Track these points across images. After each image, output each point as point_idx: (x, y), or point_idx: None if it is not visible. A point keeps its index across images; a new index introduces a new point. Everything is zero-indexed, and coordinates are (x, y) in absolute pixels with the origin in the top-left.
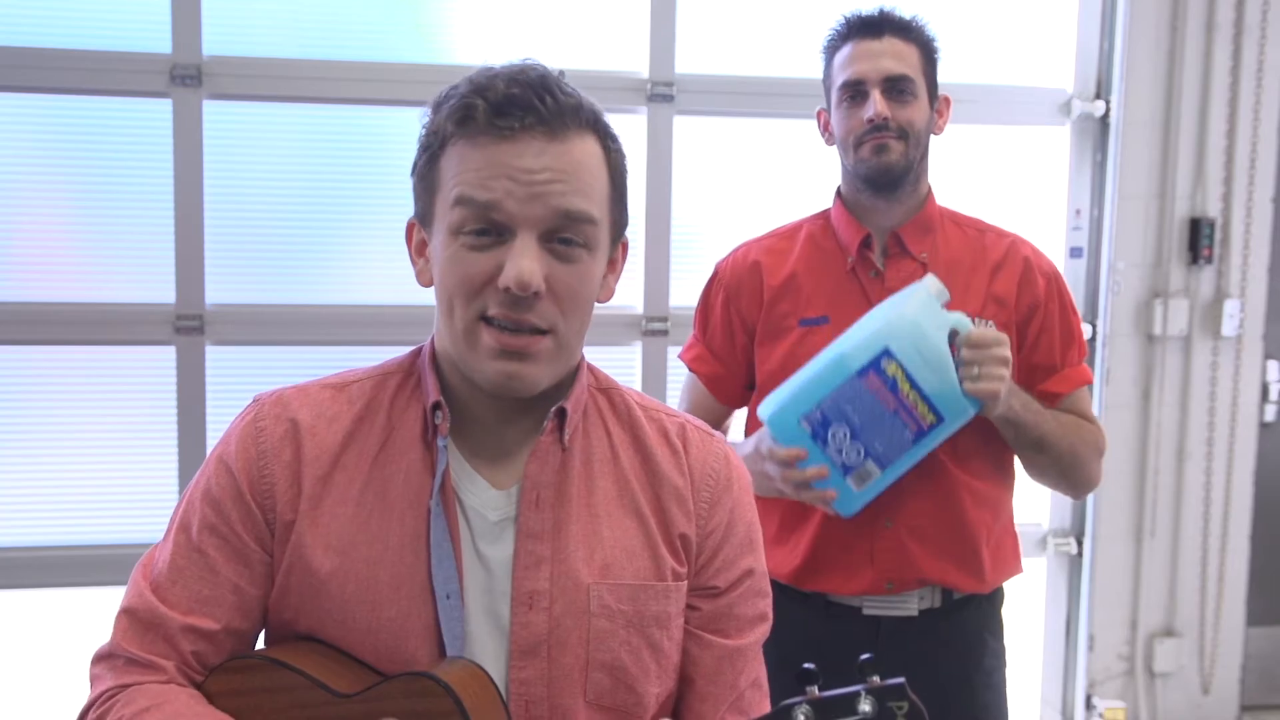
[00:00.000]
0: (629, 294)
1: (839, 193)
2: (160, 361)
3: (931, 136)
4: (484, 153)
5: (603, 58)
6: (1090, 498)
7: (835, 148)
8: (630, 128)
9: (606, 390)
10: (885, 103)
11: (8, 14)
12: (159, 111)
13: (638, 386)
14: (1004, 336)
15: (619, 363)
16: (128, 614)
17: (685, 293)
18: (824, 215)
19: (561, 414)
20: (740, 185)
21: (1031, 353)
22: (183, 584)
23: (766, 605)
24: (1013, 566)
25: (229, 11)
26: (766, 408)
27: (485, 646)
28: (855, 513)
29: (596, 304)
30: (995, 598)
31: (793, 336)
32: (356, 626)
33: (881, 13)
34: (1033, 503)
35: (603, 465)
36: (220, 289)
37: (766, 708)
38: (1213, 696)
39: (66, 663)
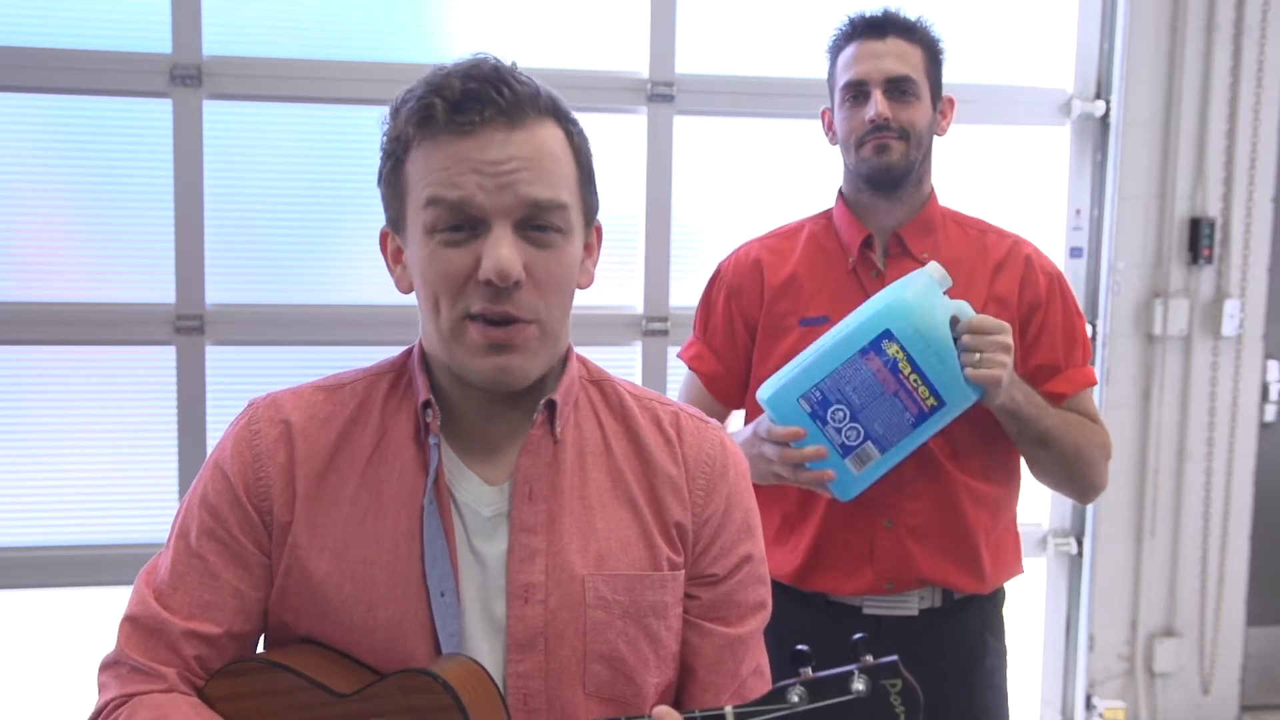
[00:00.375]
0: (629, 294)
1: (841, 192)
2: (160, 361)
3: (935, 137)
4: (448, 150)
5: (603, 58)
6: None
7: (838, 147)
8: (630, 128)
9: (598, 381)
10: (887, 103)
11: (8, 14)
12: (159, 111)
13: None
14: (1006, 324)
15: (619, 363)
16: (131, 621)
17: (685, 293)
18: (826, 215)
19: (551, 406)
20: (740, 185)
21: (1034, 353)
22: (184, 590)
23: (766, 592)
24: (1014, 567)
25: (229, 11)
26: (765, 390)
27: (482, 642)
28: (853, 497)
29: (593, 300)
30: (996, 598)
31: (793, 336)
32: (354, 627)
33: (886, 13)
34: (1033, 503)
35: (595, 457)
36: (220, 289)
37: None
38: (1213, 696)
39: (67, 663)
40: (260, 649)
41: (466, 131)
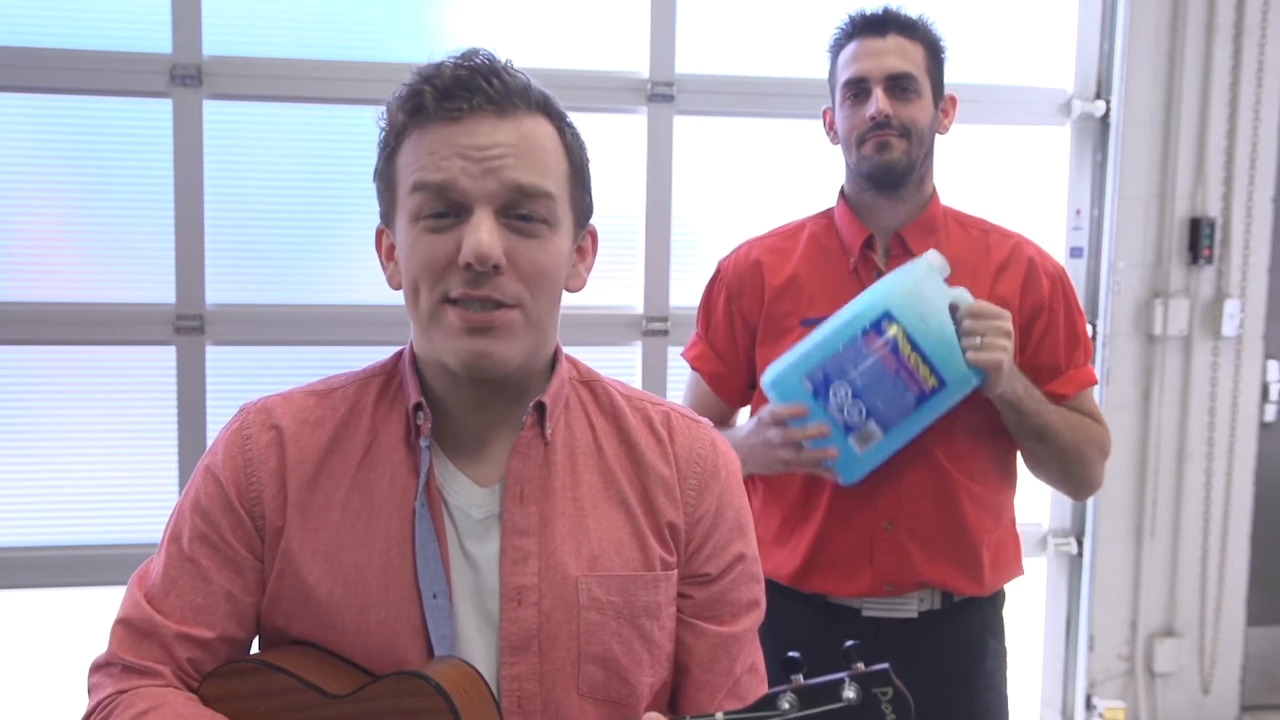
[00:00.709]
0: (629, 294)
1: (842, 192)
2: (160, 361)
3: (937, 135)
4: (435, 136)
5: (603, 58)
6: (1090, 498)
7: (840, 146)
8: (630, 128)
9: (589, 383)
10: (888, 101)
11: (8, 14)
12: (159, 111)
13: (638, 386)
14: (1006, 311)
15: (619, 363)
16: (124, 624)
17: (685, 293)
18: (827, 215)
19: (541, 408)
20: (740, 185)
21: (1036, 354)
22: (176, 594)
23: (759, 591)
24: (1013, 569)
25: (229, 11)
26: (768, 374)
27: (476, 644)
28: (857, 480)
29: (593, 300)
30: (996, 600)
31: (794, 336)
32: (346, 630)
33: (886, 11)
34: (1033, 503)
35: (587, 458)
36: (220, 289)
37: (764, 692)
38: (1213, 696)
39: (66, 663)
40: (255, 651)
41: (455, 118)
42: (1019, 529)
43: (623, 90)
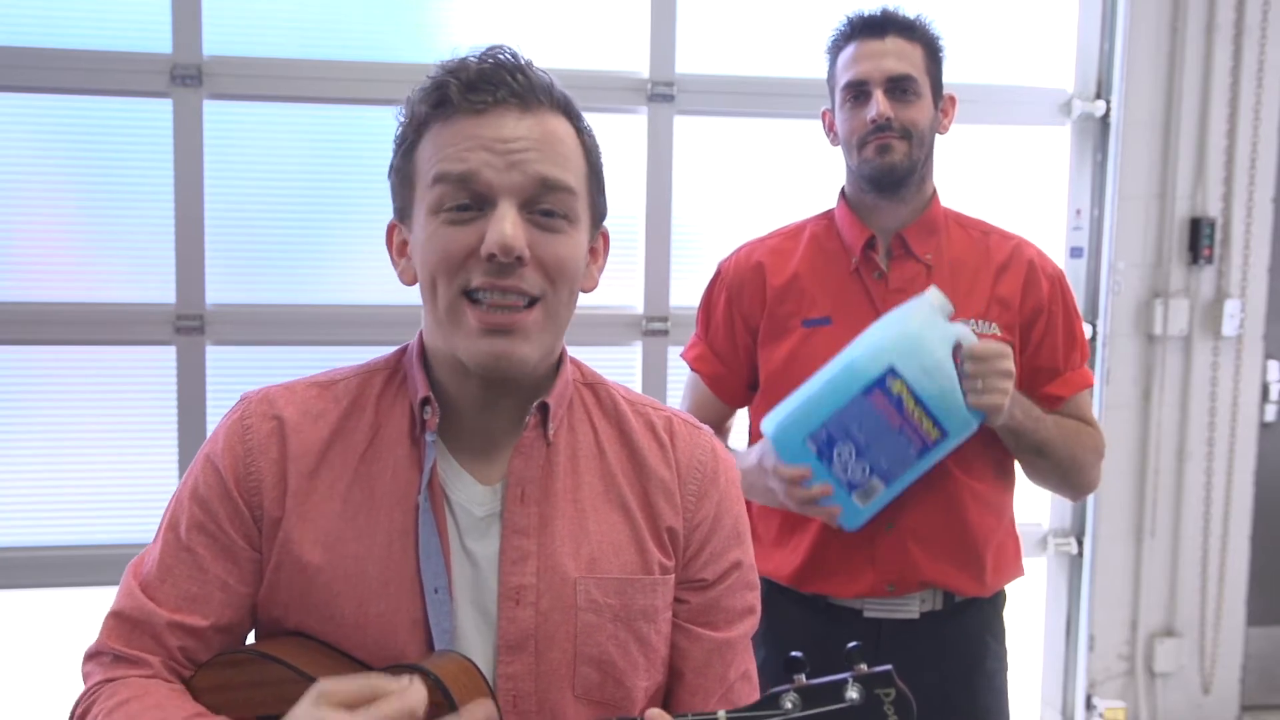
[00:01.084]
0: (629, 294)
1: (843, 193)
2: (160, 361)
3: (937, 136)
4: (459, 128)
5: (603, 58)
6: (1090, 498)
7: (840, 148)
8: (630, 128)
9: (592, 385)
10: (888, 103)
11: (8, 14)
12: (159, 111)
13: (638, 387)
14: (1007, 349)
15: (619, 363)
16: (116, 616)
17: (685, 293)
18: (828, 216)
19: (544, 409)
20: (740, 185)
21: (1035, 356)
22: (171, 582)
23: (755, 598)
24: (1014, 570)
25: (229, 11)
26: (770, 423)
27: (473, 642)
28: (859, 526)
29: (593, 300)
30: (997, 600)
31: (795, 337)
32: (345, 621)
33: (885, 12)
34: (1033, 503)
35: (588, 460)
36: (220, 289)
37: (756, 700)
38: (1213, 696)
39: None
40: (251, 642)
41: (479, 110)
42: (1019, 529)
43: (623, 90)
